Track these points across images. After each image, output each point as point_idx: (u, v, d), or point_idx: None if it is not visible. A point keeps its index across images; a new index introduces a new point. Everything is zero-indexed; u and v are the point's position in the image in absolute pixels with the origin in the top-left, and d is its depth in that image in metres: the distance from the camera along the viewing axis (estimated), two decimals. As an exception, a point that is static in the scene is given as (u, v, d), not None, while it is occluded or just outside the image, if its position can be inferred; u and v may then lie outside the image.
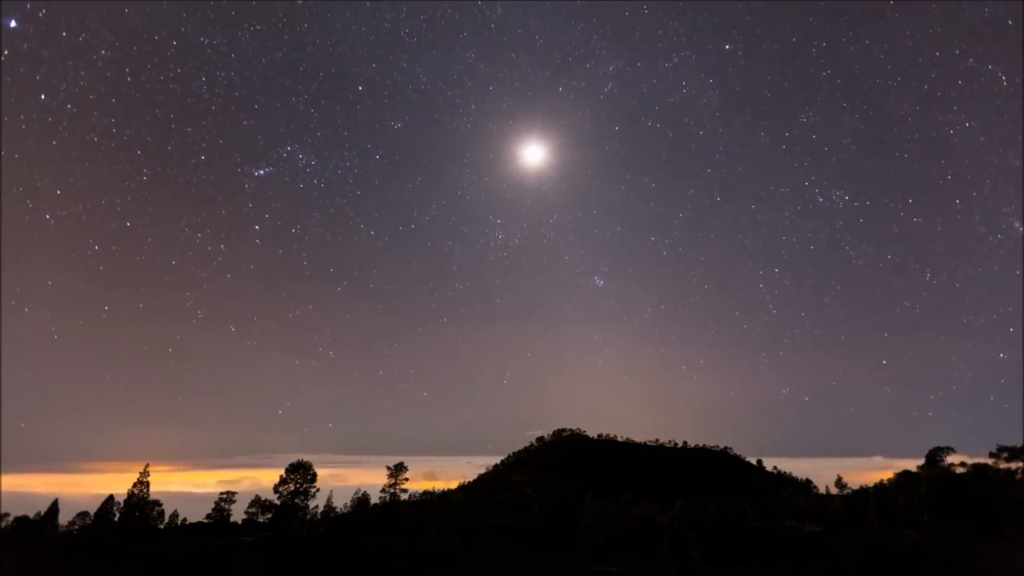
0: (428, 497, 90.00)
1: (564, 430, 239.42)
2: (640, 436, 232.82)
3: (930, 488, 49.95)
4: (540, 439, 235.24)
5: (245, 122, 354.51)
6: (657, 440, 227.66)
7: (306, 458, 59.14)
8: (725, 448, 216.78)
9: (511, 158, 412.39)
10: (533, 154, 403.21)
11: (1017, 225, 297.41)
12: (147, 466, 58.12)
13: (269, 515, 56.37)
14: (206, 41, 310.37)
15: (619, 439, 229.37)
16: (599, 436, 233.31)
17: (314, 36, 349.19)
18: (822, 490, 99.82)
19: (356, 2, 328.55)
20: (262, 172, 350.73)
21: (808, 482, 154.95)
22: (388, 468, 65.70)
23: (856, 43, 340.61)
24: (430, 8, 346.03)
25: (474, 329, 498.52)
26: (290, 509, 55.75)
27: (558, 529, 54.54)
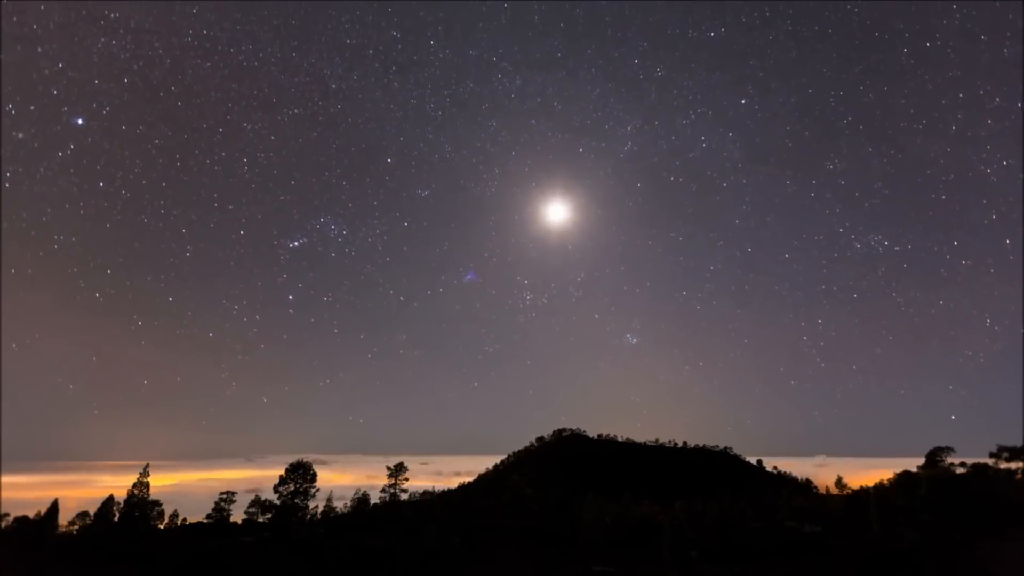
0: (428, 497, 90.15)
1: (564, 430, 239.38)
2: (640, 436, 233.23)
3: (930, 488, 49.90)
4: (540, 439, 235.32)
5: (282, 197, 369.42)
6: (657, 440, 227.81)
7: (306, 458, 59.24)
8: (725, 448, 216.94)
9: (536, 219, 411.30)
10: (557, 213, 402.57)
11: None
12: (147, 466, 58.20)
13: (269, 515, 56.34)
14: (248, 126, 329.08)
15: (619, 439, 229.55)
16: (599, 436, 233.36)
17: (346, 115, 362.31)
18: (822, 490, 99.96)
19: (385, 82, 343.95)
20: (296, 243, 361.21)
21: (808, 482, 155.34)
22: (388, 468, 65.70)
23: (874, 90, 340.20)
24: (453, 84, 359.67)
25: (505, 393, 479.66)
26: (290, 509, 55.74)
27: (558, 529, 54.53)
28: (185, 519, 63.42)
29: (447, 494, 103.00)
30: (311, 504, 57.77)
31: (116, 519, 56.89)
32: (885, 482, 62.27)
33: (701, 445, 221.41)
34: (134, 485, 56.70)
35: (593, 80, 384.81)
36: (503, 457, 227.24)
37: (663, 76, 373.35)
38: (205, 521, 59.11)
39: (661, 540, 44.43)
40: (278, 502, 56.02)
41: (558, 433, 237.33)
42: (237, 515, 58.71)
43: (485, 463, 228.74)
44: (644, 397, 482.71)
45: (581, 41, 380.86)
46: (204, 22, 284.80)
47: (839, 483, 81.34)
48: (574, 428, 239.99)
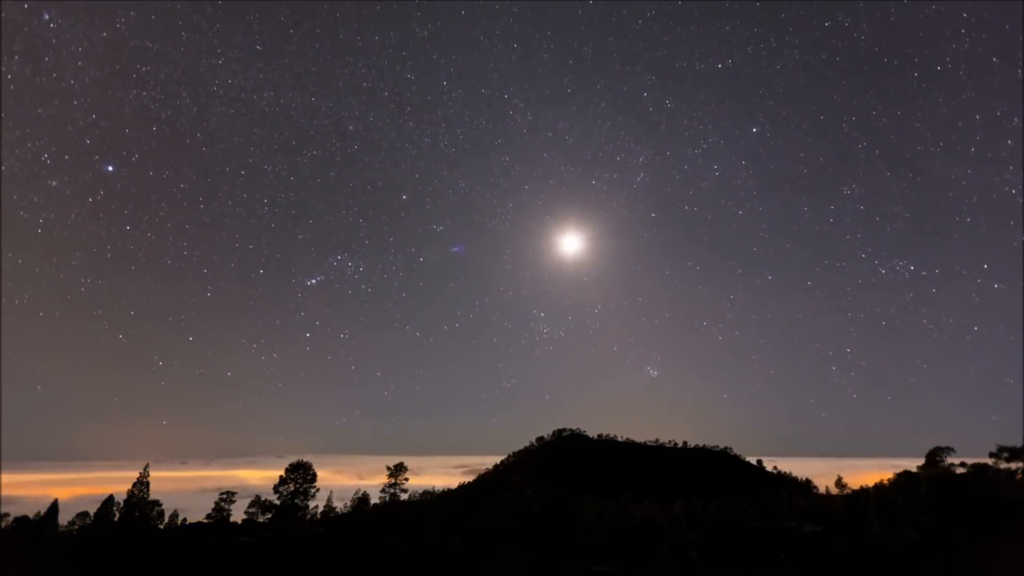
0: (428, 497, 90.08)
1: (564, 430, 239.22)
2: (640, 436, 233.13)
3: (930, 488, 49.88)
4: (540, 439, 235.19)
5: (300, 236, 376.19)
6: (657, 440, 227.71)
7: (306, 458, 59.24)
8: (725, 448, 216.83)
9: (550, 251, 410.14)
10: (571, 245, 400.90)
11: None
12: (147, 466, 58.20)
13: (269, 515, 56.35)
14: (269, 168, 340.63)
15: (619, 439, 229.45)
16: (599, 436, 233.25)
17: (363, 156, 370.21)
18: (822, 490, 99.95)
19: (400, 122, 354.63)
20: (314, 281, 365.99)
21: (808, 482, 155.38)
22: (388, 468, 65.70)
23: (887, 115, 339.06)
24: (466, 121, 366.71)
25: (524, 430, 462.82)
26: (290, 509, 55.74)
27: (558, 529, 54.52)
28: (185, 519, 63.45)
29: (447, 494, 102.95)
30: (311, 504, 57.83)
31: (116, 519, 56.90)
32: (885, 482, 62.19)
33: (701, 445, 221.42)
34: (134, 485, 56.74)
35: (603, 114, 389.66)
36: (503, 457, 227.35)
37: (672, 108, 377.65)
38: (205, 521, 59.13)
39: (661, 540, 44.45)
40: (278, 502, 56.05)
41: (558, 433, 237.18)
42: (237, 515, 58.80)
43: (485, 463, 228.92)
44: (667, 433, 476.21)
45: (590, 76, 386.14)
46: (229, 72, 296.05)
47: (839, 483, 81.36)
48: (574, 428, 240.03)
